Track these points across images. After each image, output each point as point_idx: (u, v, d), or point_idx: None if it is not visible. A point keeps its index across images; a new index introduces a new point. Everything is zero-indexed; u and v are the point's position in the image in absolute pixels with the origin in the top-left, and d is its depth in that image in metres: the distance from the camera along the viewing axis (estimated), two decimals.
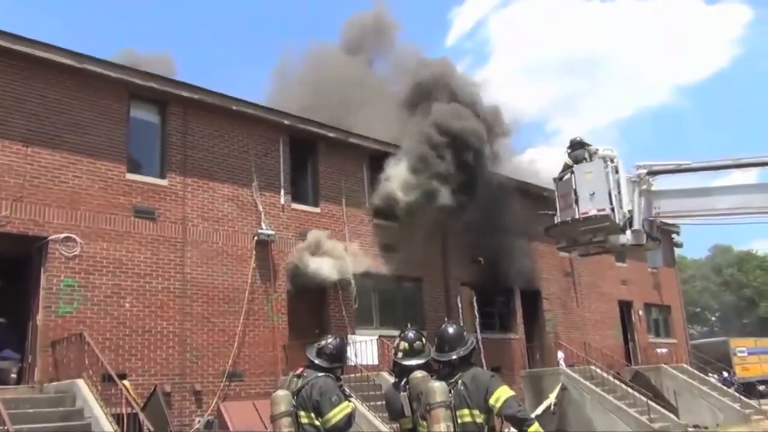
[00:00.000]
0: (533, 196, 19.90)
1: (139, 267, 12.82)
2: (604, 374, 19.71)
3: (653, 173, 13.53)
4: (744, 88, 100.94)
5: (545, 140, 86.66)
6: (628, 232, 13.34)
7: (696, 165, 13.39)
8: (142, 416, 9.80)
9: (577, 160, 14.05)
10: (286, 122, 15.87)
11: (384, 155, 17.44)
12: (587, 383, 18.80)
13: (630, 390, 19.00)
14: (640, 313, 26.36)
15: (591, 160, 13.93)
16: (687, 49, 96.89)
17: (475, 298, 19.50)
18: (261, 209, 14.95)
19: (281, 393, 5.37)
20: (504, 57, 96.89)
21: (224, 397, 13.25)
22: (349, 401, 5.37)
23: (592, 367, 19.99)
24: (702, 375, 24.00)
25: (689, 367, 24.64)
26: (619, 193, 13.39)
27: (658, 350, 26.17)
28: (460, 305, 18.87)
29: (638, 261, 26.16)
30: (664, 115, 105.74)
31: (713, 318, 65.31)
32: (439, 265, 18.63)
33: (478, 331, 18.66)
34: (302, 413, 5.24)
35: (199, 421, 12.78)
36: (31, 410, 9.94)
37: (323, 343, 5.58)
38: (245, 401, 13.04)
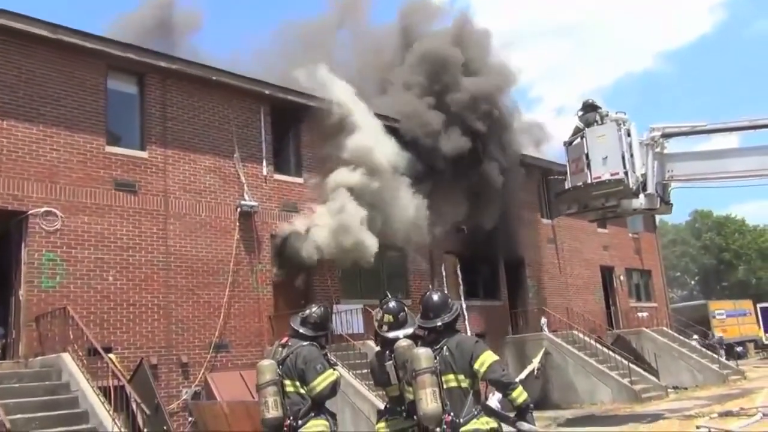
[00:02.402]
0: (518, 163, 19.96)
1: (122, 240, 12.73)
2: (586, 338, 20.04)
3: (667, 135, 13.30)
4: (727, 53, 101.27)
5: (528, 107, 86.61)
6: (641, 196, 13.19)
7: (711, 127, 13.21)
8: (129, 389, 9.83)
9: (588, 123, 13.76)
10: (266, 92, 15.68)
11: None
12: (570, 348, 19.12)
13: (611, 353, 19.35)
14: (622, 278, 26.72)
15: (602, 123, 13.67)
16: (670, 14, 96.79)
17: (459, 266, 19.62)
18: (243, 180, 14.85)
19: (266, 362, 5.40)
20: (486, 22, 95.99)
21: (211, 368, 13.31)
22: (335, 369, 5.41)
23: (575, 332, 20.30)
24: (682, 338, 24.46)
25: (669, 330, 25.11)
26: (632, 156, 13.19)
27: (639, 314, 26.60)
28: (444, 273, 18.99)
29: (619, 227, 26.45)
30: (647, 80, 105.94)
31: (693, 282, 66.31)
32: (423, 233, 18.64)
33: (462, 298, 18.81)
34: (287, 382, 5.28)
35: (186, 393, 12.84)
36: (16, 385, 9.95)
37: (307, 312, 5.61)
38: (232, 372, 13.12)
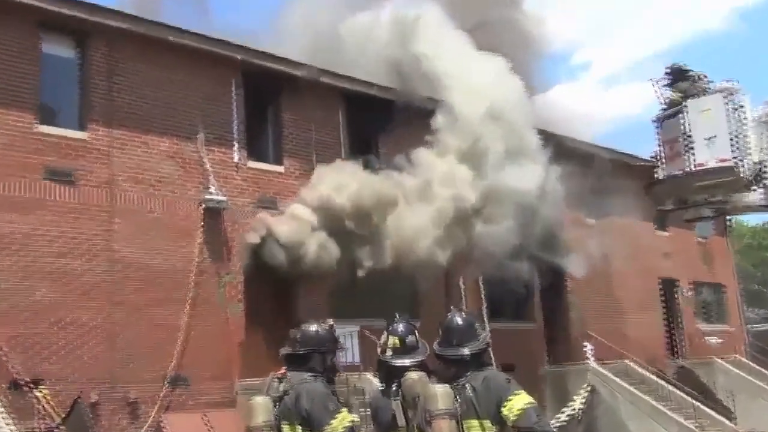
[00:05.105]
0: (556, 144, 19.84)
1: (55, 244, 12.72)
2: (642, 371, 20.04)
3: None
4: None
5: (571, 75, 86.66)
6: (758, 188, 12.91)
7: None
8: None
9: (687, 95, 13.41)
10: (239, 57, 15.66)
11: (366, 98, 17.32)
12: (621, 382, 19.11)
13: (674, 389, 19.33)
14: (687, 293, 26.65)
15: (699, 96, 13.29)
16: None
17: (481, 279, 19.55)
18: (209, 169, 14.84)
19: (260, 400, 5.37)
20: None
21: (166, 407, 13.30)
22: (350, 412, 5.38)
23: (628, 362, 20.30)
24: (763, 370, 24.39)
25: (746, 360, 25.06)
26: (745, 137, 12.86)
27: (709, 340, 26.57)
28: (462, 287, 18.95)
29: (684, 229, 26.31)
30: (715, 43, 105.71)
31: None
32: None
33: (486, 319, 18.74)
34: (285, 425, 5.24)
35: None
36: None
37: (304, 328, 5.56)
38: (193, 412, 13.13)
